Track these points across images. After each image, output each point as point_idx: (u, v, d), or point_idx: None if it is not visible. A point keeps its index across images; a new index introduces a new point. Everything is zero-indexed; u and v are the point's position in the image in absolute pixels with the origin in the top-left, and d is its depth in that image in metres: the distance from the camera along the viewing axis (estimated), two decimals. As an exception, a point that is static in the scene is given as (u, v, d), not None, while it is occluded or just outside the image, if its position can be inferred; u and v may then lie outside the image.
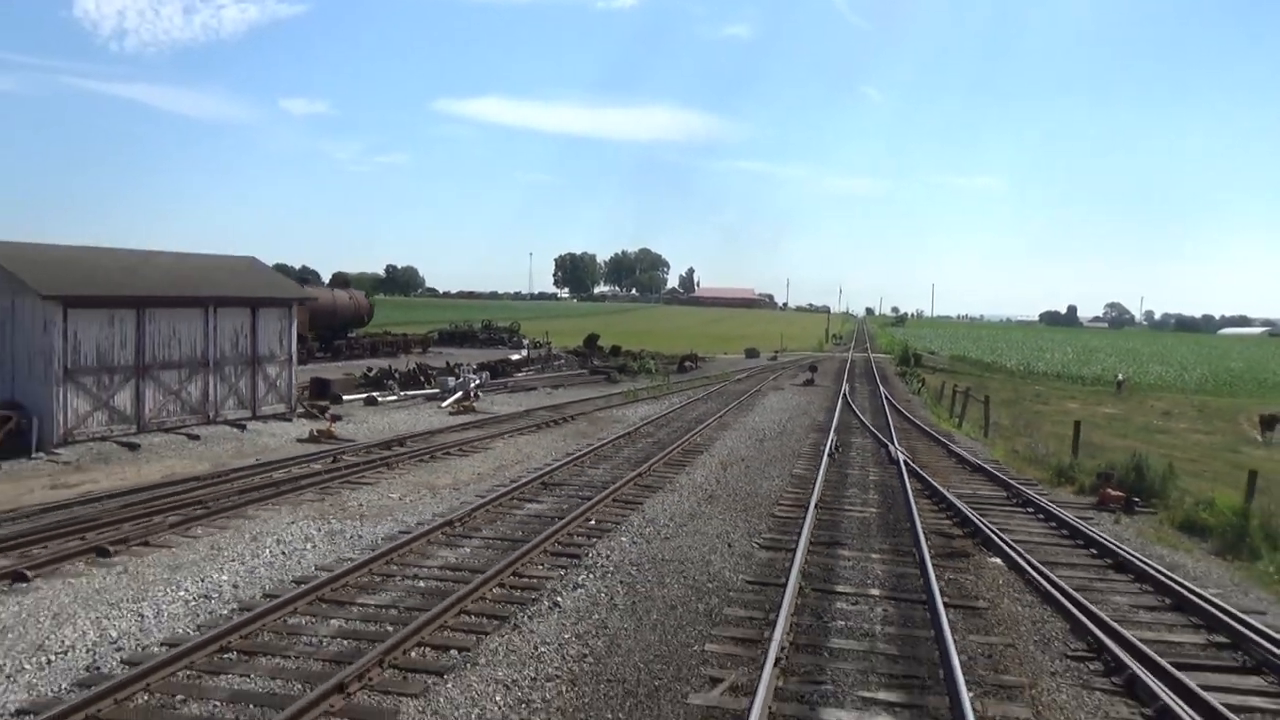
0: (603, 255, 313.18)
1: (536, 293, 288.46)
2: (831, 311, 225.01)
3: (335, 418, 21.59)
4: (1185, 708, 6.92)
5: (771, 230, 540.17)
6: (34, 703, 6.66)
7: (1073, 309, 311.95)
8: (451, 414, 25.13)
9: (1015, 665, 7.97)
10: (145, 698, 6.80)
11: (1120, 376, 54.28)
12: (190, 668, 7.29)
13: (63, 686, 7.01)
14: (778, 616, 8.53)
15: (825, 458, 18.72)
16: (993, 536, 12.31)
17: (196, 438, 19.03)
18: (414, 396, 28.85)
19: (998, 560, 11.46)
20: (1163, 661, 7.82)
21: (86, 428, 17.63)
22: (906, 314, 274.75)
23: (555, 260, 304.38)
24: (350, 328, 45.60)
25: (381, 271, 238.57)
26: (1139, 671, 7.60)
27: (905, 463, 18.09)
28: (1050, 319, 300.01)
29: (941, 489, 15.58)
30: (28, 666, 7.36)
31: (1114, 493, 15.37)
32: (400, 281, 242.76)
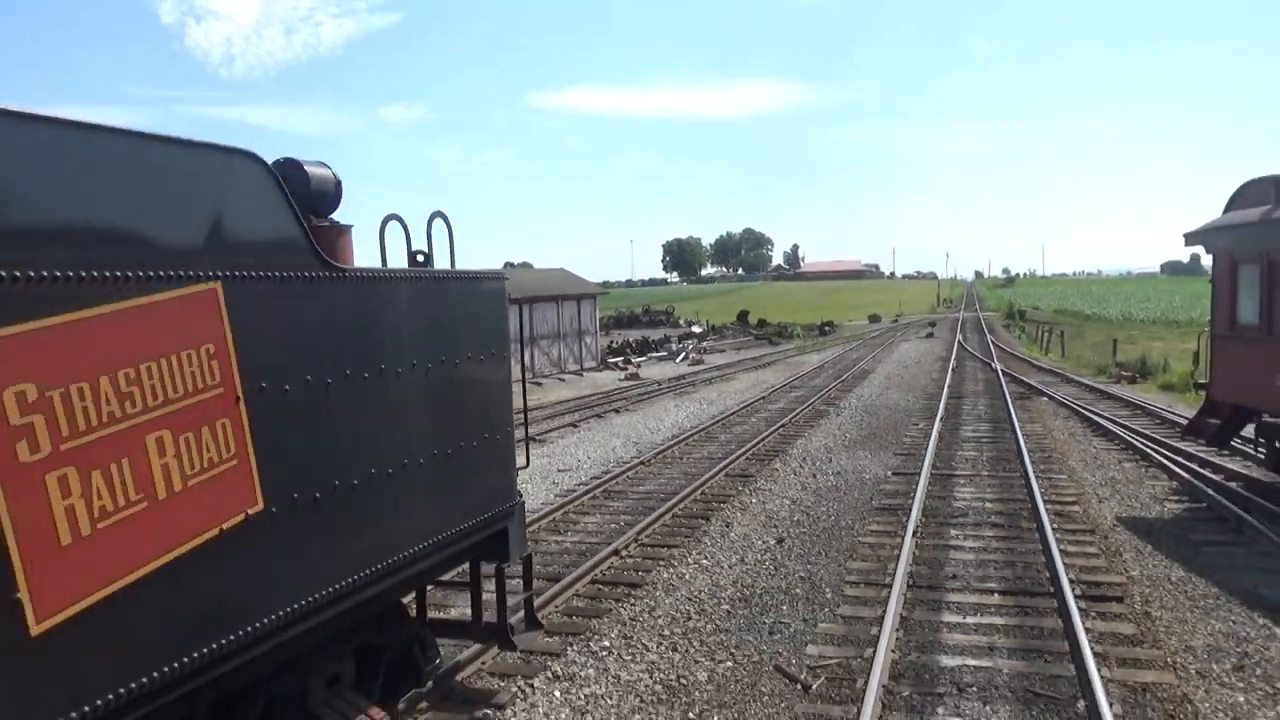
0: (707, 238, 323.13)
1: (647, 278, 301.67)
2: (940, 277, 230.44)
3: (636, 366, 34.26)
4: (1102, 420, 18.31)
5: (875, 199, 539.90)
6: (671, 435, 18.96)
7: (1196, 257, 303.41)
8: (690, 366, 37.50)
9: (1039, 418, 19.52)
10: (700, 435, 19.06)
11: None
12: (701, 434, 19.53)
13: (672, 433, 19.32)
14: (937, 411, 20.30)
15: (950, 372, 30.14)
16: (1044, 391, 23.72)
17: (564, 380, 31.87)
18: (651, 358, 41.42)
19: (1045, 398, 22.89)
20: (1108, 416, 19.19)
21: (512, 375, 30.62)
22: (1017, 274, 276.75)
23: (663, 246, 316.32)
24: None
25: (500, 266, 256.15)
26: (1093, 416, 19.04)
27: (1000, 370, 29.39)
28: (1172, 269, 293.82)
29: (1021, 378, 26.94)
30: (647, 432, 19.71)
31: (1125, 373, 26.41)
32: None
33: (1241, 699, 6.30)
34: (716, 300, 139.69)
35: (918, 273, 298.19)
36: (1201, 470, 13.08)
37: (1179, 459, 13.91)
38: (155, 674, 3.42)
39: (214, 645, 3.69)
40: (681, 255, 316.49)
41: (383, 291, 4.91)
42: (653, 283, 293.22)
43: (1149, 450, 14.83)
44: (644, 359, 40.57)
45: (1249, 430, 12.24)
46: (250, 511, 3.89)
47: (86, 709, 3.15)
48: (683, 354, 41.01)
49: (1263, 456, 11.90)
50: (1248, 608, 7.97)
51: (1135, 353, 31.03)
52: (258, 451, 3.91)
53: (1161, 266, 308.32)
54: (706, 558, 9.99)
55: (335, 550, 4.45)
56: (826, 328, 62.95)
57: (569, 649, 7.43)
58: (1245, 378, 11.45)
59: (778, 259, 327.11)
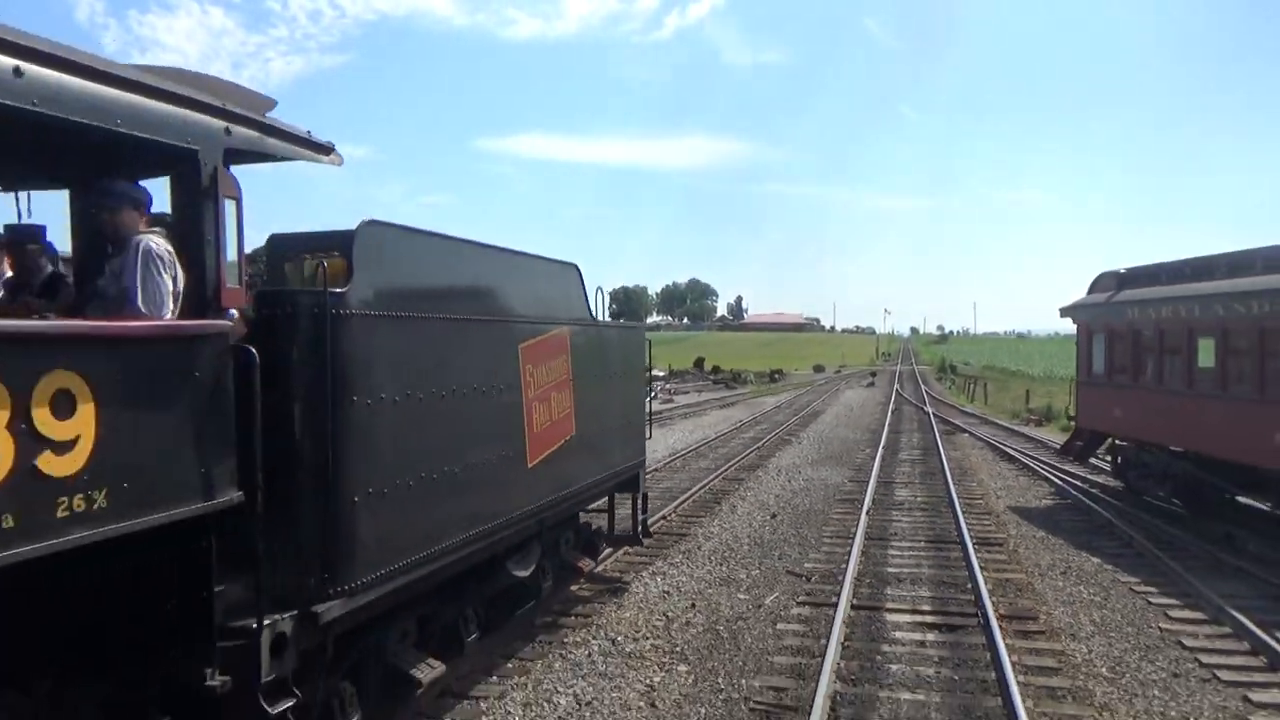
0: (653, 287, 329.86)
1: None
2: (878, 332, 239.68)
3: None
4: (1009, 449, 23.13)
5: (816, 253, 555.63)
6: (668, 454, 23.26)
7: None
8: (662, 403, 41.83)
9: (964, 449, 24.32)
10: (692, 454, 23.42)
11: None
12: (693, 453, 23.88)
13: (668, 453, 23.62)
14: (880, 441, 24.97)
15: (889, 413, 35.05)
16: (966, 429, 28.64)
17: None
18: (623, 396, 45.67)
19: (967, 435, 27.79)
20: (1014, 448, 24.05)
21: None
22: (950, 332, 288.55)
23: (610, 294, 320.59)
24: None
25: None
26: (1002, 447, 23.89)
27: (932, 413, 34.40)
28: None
29: (949, 419, 31.94)
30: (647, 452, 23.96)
31: (1033, 417, 31.57)
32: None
33: (1060, 584, 10.83)
34: (665, 348, 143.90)
35: (857, 327, 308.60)
36: (1073, 480, 17.86)
37: (1058, 473, 18.70)
38: (553, 497, 7.68)
39: (561, 493, 7.94)
40: (628, 303, 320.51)
41: (607, 332, 9.27)
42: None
43: (1039, 469, 19.64)
44: (618, 397, 44.79)
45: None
46: (571, 435, 8.18)
47: (539, 502, 7.42)
48: (653, 393, 45.30)
49: (1110, 468, 16.70)
50: (1078, 549, 12.57)
51: (1045, 401, 36.35)
52: (575, 408, 8.21)
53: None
54: (725, 523, 14.31)
55: (591, 463, 8.72)
56: (776, 375, 68.08)
57: (655, 561, 11.67)
58: (1097, 411, 16.27)
59: (722, 309, 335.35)
